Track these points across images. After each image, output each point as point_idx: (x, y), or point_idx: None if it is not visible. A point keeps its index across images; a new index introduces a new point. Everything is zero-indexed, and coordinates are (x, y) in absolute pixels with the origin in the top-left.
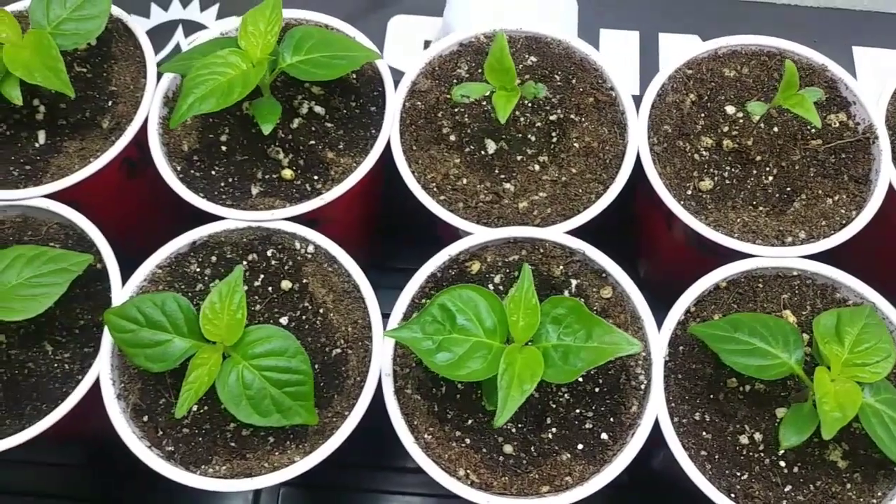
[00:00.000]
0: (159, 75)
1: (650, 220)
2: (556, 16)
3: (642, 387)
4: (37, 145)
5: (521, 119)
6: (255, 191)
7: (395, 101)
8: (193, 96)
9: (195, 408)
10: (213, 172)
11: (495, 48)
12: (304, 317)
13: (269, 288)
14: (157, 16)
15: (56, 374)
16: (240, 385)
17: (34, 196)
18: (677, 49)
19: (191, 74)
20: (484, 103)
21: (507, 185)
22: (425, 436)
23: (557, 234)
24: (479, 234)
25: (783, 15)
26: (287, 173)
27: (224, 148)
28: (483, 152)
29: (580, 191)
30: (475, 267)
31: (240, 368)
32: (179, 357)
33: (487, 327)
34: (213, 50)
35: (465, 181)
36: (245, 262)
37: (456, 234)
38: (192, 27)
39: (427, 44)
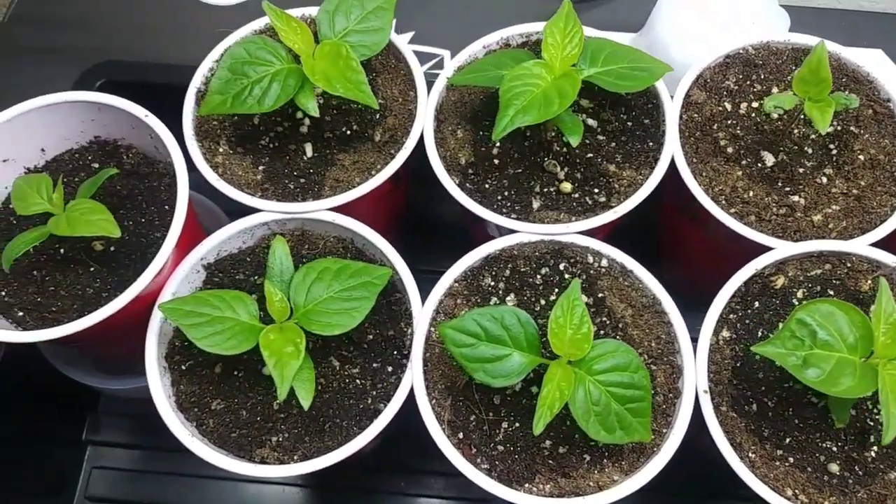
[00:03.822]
0: (429, 88)
1: None
2: (770, 30)
3: None
4: (305, 158)
5: (796, 131)
6: (536, 204)
7: (673, 113)
8: (514, 108)
9: (505, 425)
10: (487, 186)
11: (812, 59)
12: (602, 332)
13: None
14: None
15: (349, 391)
16: (587, 401)
17: (318, 209)
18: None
19: (505, 86)
20: (754, 115)
21: (796, 198)
22: (749, 454)
23: (865, 247)
24: (781, 249)
25: None
26: (566, 186)
27: (496, 161)
28: (761, 164)
29: (874, 203)
30: (779, 282)
31: (586, 384)
32: (519, 372)
33: (850, 343)
34: (504, 61)
35: (751, 193)
36: (539, 276)
37: (740, 249)
38: None
39: None
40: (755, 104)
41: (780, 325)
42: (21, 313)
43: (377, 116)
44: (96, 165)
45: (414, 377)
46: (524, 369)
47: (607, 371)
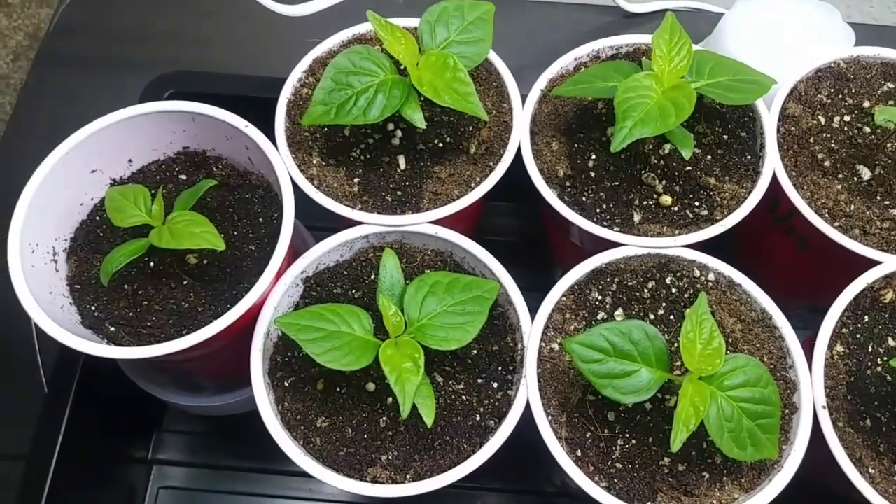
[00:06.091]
0: (523, 100)
1: None
2: (837, 45)
3: None
4: (399, 170)
5: (889, 145)
6: (637, 217)
7: (771, 125)
8: (632, 120)
9: (621, 442)
10: (584, 198)
11: None
12: None
13: (671, 317)
14: None
15: (455, 407)
16: (720, 417)
17: (421, 222)
18: None
19: (619, 98)
20: (846, 129)
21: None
22: (870, 470)
23: None
24: (889, 262)
25: None
26: (665, 199)
27: (593, 174)
28: (857, 178)
29: None
30: (888, 296)
31: (719, 400)
32: (649, 388)
33: None
34: (609, 73)
35: (853, 207)
36: (646, 290)
37: (848, 262)
38: None
39: None
40: (847, 118)
41: (890, 339)
42: (112, 328)
43: (470, 128)
44: (184, 177)
45: (529, 393)
46: (653, 385)
47: (739, 387)
